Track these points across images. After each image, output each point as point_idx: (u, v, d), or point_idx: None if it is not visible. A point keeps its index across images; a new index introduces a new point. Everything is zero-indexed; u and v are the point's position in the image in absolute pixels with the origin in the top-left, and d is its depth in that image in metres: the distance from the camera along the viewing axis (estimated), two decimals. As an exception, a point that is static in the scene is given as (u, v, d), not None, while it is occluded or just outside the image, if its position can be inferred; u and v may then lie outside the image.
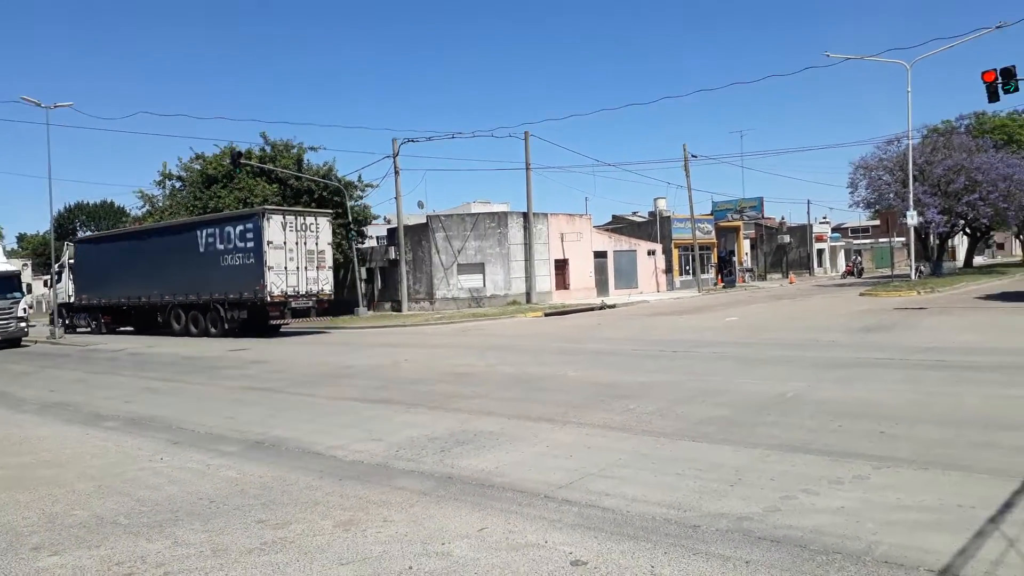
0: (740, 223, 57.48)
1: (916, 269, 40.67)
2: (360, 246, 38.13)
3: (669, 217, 48.44)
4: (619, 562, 4.37)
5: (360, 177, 37.15)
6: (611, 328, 21.64)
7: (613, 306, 32.41)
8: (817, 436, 7.17)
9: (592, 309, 31.08)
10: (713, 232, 51.37)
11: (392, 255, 36.51)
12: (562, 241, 38.31)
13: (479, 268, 35.76)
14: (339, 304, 37.55)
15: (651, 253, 45.14)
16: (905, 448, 6.56)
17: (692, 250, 46.14)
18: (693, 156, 44.65)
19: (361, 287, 36.36)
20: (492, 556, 4.55)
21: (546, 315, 28.71)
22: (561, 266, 38.55)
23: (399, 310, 35.44)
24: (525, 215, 36.30)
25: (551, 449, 7.19)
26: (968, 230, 52.51)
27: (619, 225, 53.01)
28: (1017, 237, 77.68)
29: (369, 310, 37.30)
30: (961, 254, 62.92)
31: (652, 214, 51.32)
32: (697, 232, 46.32)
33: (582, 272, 39.57)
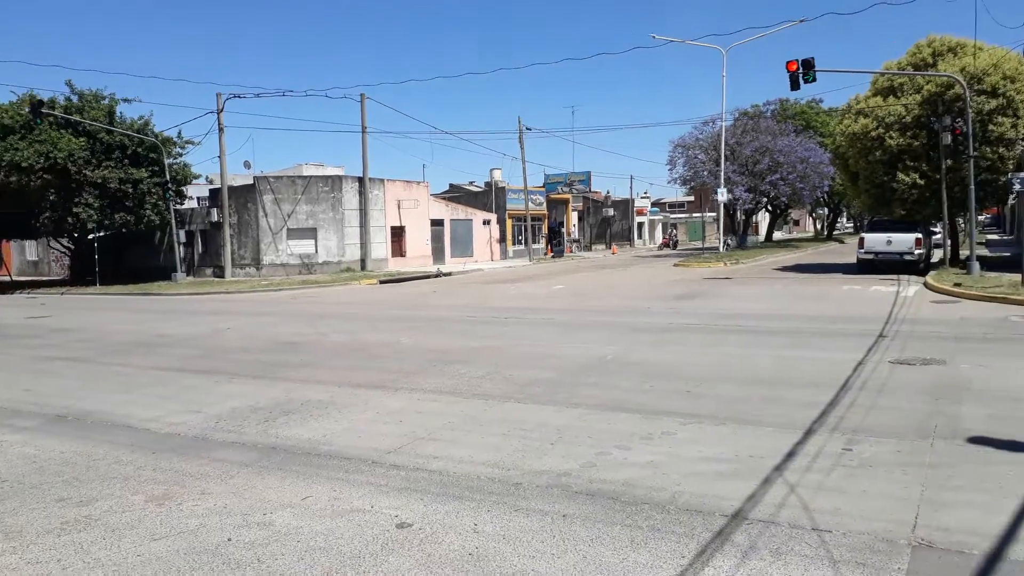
0: (569, 196, 59.48)
1: (724, 242, 44.12)
2: (179, 207, 35.69)
3: (504, 188, 49.22)
4: (443, 522, 4.49)
5: (180, 133, 34.58)
6: (446, 296, 21.80)
7: (449, 274, 32.61)
8: (632, 396, 7.67)
9: (428, 277, 31.10)
10: (545, 204, 52.82)
11: (215, 217, 34.49)
12: (399, 208, 37.89)
13: (311, 233, 34.61)
14: (155, 269, 35.11)
15: (486, 223, 45.74)
16: (708, 405, 7.18)
17: (525, 221, 47.24)
18: (527, 129, 45.59)
19: (180, 251, 34.11)
20: (316, 523, 4.52)
21: (381, 283, 28.40)
22: (397, 233, 38.16)
23: (222, 276, 33.64)
24: (360, 180, 35.49)
25: (381, 416, 7.20)
26: (770, 207, 57.43)
27: (456, 194, 53.18)
28: (810, 214, 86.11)
29: (189, 276, 35.14)
30: (763, 229, 68.76)
31: (488, 184, 51.91)
32: (530, 203, 47.46)
33: (418, 240, 39.41)
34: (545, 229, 52.39)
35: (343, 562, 3.99)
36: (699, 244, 66.01)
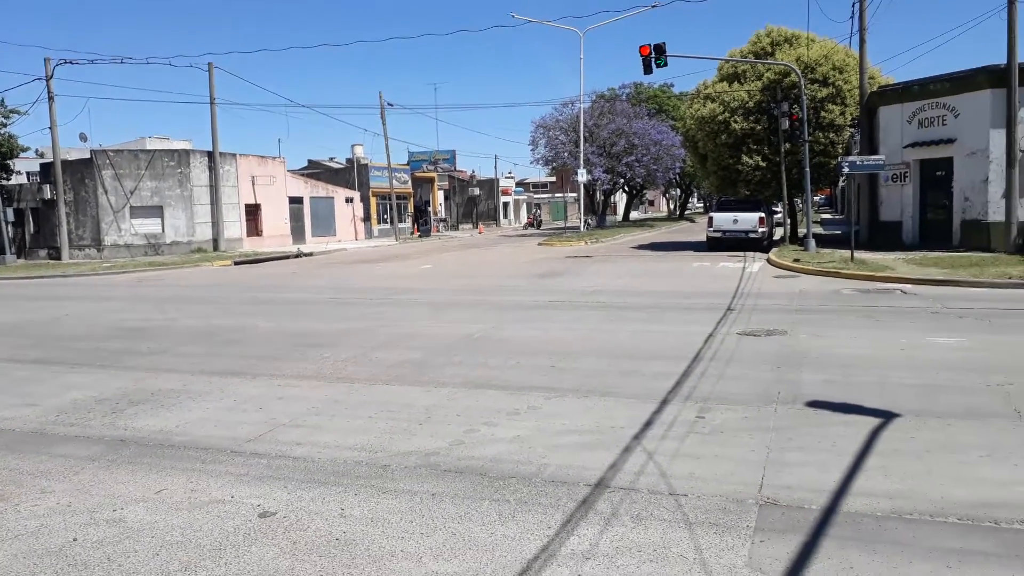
0: (435, 174, 59.13)
1: (584, 222, 45.45)
2: (6, 183, 32.51)
3: (367, 165, 48.21)
4: (309, 508, 4.37)
5: (3, 101, 31.42)
6: (307, 277, 21.15)
7: (310, 254, 31.64)
8: (499, 373, 7.76)
9: (287, 257, 30.04)
10: (410, 182, 52.26)
11: (48, 194, 31.67)
12: (253, 185, 36.27)
13: (157, 212, 32.51)
14: (-23, 251, 31.84)
15: (349, 200, 44.68)
16: (571, 379, 7.38)
17: (390, 199, 46.54)
18: (390, 104, 44.78)
19: (8, 231, 31.12)
20: (172, 517, 4.28)
21: (236, 264, 27.14)
22: (253, 211, 36.55)
23: (59, 258, 31.01)
24: (211, 154, 33.64)
25: (239, 403, 6.90)
26: (627, 188, 59.60)
27: (316, 171, 51.56)
28: (664, 195, 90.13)
29: (19, 258, 32.17)
30: (621, 209, 71.36)
31: (350, 161, 50.68)
32: (394, 181, 46.77)
33: (276, 218, 37.94)
34: (411, 208, 51.87)
35: (202, 555, 3.80)
36: (562, 224, 67.57)
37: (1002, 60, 19.26)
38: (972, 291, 13.50)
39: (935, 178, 22.35)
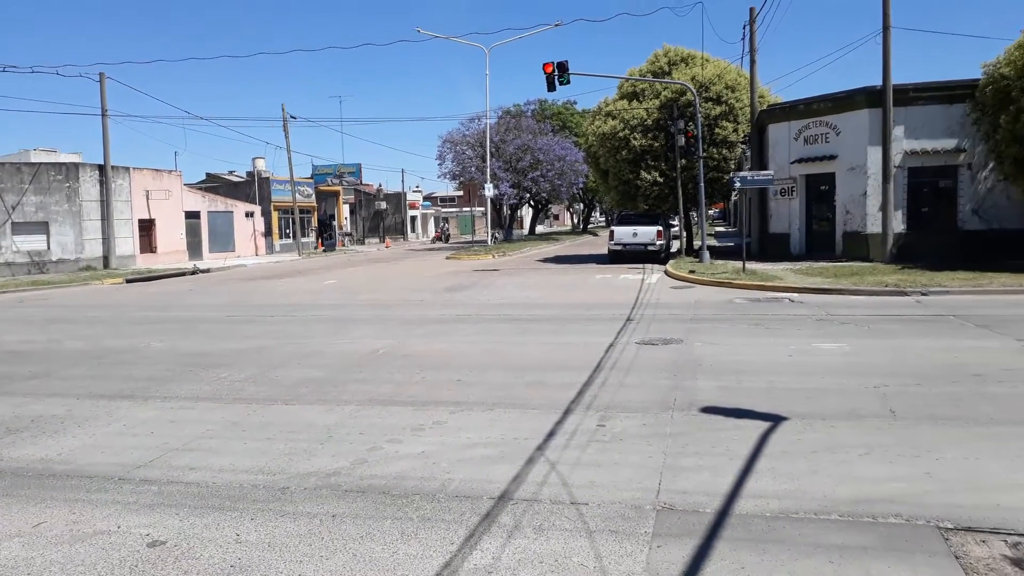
0: (340, 188, 58.20)
1: (492, 236, 45.74)
2: None
3: (268, 178, 47.00)
4: (202, 535, 4.20)
5: None
6: (204, 294, 20.38)
7: (207, 270, 30.50)
8: (404, 389, 7.70)
9: (183, 274, 28.85)
10: (314, 196, 51.24)
11: (-86, 210, 29.37)
12: (148, 199, 34.72)
13: (42, 228, 30.62)
14: None
15: (249, 215, 43.38)
16: (477, 393, 7.40)
17: (292, 213, 45.45)
18: (293, 117, 43.91)
19: None
20: (52, 551, 4.04)
21: (128, 281, 25.86)
22: (147, 227, 34.97)
23: (-73, 278, 28.74)
24: (102, 168, 32.00)
25: (129, 428, 6.57)
26: (533, 202, 60.34)
27: (214, 184, 49.87)
28: (568, 209, 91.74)
29: None
30: (527, 223, 72.13)
31: (251, 174, 49.29)
32: (298, 195, 45.74)
33: (172, 234, 36.43)
34: (315, 222, 50.83)
35: (84, 593, 3.60)
36: (469, 237, 67.74)
37: (879, 82, 20.64)
38: (853, 299, 14.34)
39: (820, 192, 23.67)
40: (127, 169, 33.98)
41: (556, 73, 21.28)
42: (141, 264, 33.18)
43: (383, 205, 68.62)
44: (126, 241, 33.50)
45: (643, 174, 27.52)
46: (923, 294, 14.29)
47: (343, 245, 53.44)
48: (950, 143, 20.64)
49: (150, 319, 14.89)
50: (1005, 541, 3.81)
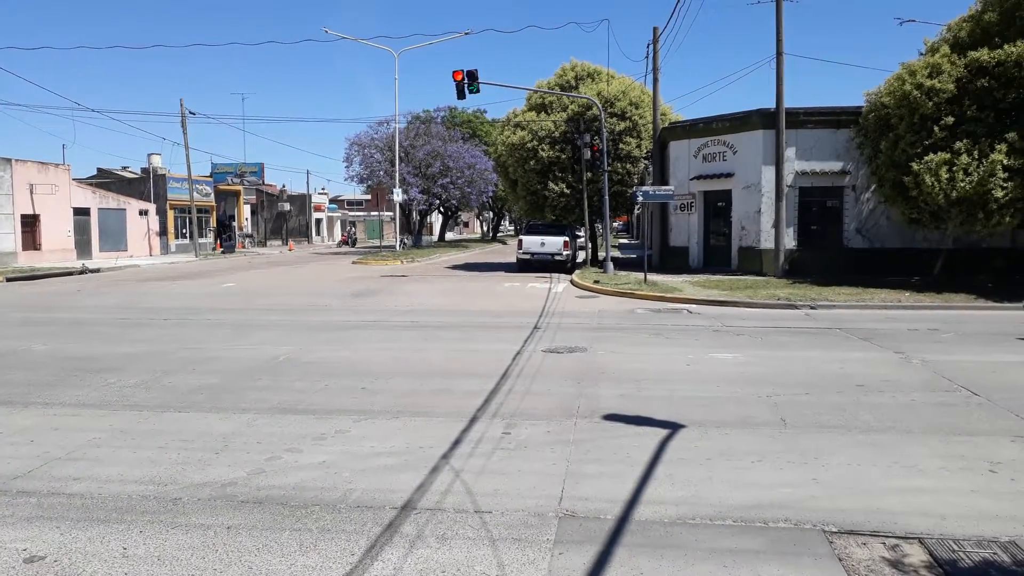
0: (241, 188, 56.41)
1: (401, 241, 45.27)
2: None
3: (165, 175, 45.04)
4: (85, 550, 3.97)
5: None
6: (94, 295, 19.29)
7: (97, 270, 28.90)
8: (305, 396, 7.52)
9: (71, 274, 27.23)
10: (213, 195, 49.44)
11: None
12: (32, 193, 32.63)
13: (-94, 220, 28.32)
14: None
15: (143, 213, 41.42)
16: (382, 401, 7.30)
17: (190, 212, 43.69)
18: (191, 113, 42.21)
19: None
20: (-88, 573, 3.72)
21: (9, 280, 24.19)
22: (31, 223, 32.84)
23: None
24: (-24, 159, 29.90)
25: (6, 436, 6.14)
26: (442, 209, 60.19)
27: (106, 180, 47.33)
28: (478, 217, 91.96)
29: None
30: (437, 229, 71.90)
31: (146, 171, 47.12)
32: (196, 194, 44.00)
33: (58, 231, 34.35)
34: (214, 222, 49.01)
35: (-51, 616, 3.34)
36: (377, 242, 66.85)
37: (773, 104, 21.69)
38: (747, 311, 14.98)
39: (717, 208, 24.62)
40: (8, 161, 31.87)
41: (466, 81, 21.31)
42: (23, 262, 31.13)
43: (287, 207, 66.90)
44: (7, 237, 31.40)
45: (551, 185, 27.91)
46: (812, 307, 15.08)
47: (243, 247, 51.74)
48: (837, 165, 21.90)
49: (32, 320, 13.98)
50: (883, 543, 4.05)
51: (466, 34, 31.29)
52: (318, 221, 73.25)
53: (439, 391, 7.72)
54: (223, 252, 45.77)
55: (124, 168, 54.85)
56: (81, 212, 36.31)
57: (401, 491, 4.82)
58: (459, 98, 21.63)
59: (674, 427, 6.28)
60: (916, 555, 3.91)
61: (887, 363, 9.28)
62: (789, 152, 21.84)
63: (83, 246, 36.14)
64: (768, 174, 22.17)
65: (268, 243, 62.48)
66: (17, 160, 32.43)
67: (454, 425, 6.36)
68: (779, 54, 21.13)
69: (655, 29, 25.94)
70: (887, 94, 18.66)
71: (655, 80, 26.07)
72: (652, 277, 20.70)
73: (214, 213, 49.37)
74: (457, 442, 5.89)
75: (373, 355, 9.97)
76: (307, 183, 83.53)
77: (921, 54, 19.41)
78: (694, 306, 15.69)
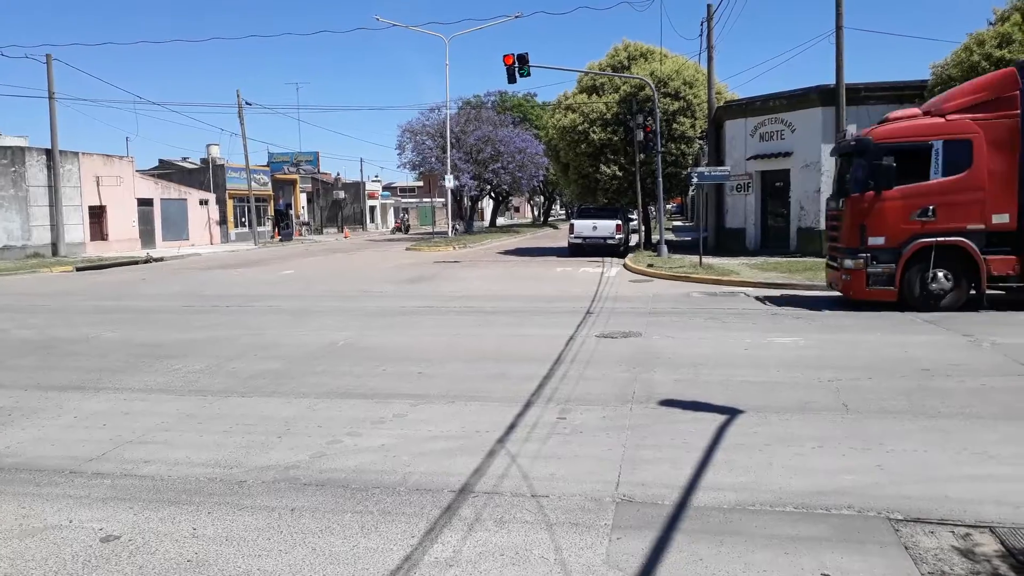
0: (297, 176, 57.40)
1: (452, 227, 45.58)
2: None
3: (223, 165, 46.08)
4: (157, 530, 4.13)
5: None
6: (158, 283, 19.94)
7: (161, 259, 29.85)
8: (364, 381, 7.64)
9: (136, 263, 28.18)
10: (270, 184, 50.42)
11: None
12: (98, 185, 33.81)
13: (-15, 213, 29.63)
14: None
15: (204, 203, 42.54)
16: (438, 385, 7.38)
17: (248, 201, 44.68)
18: (248, 103, 43.08)
19: None
20: (0, 547, 3.93)
21: (78, 269, 25.17)
22: (98, 214, 34.05)
23: None
24: (49, 152, 31.05)
25: (80, 420, 6.41)
26: (493, 194, 60.28)
27: (167, 171, 48.70)
28: (529, 202, 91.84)
29: None
30: (488, 215, 72.09)
31: (205, 161, 48.26)
32: (253, 183, 44.95)
33: (124, 221, 35.54)
34: (271, 211, 50.04)
35: (33, 590, 3.51)
36: (430, 228, 67.38)
37: (832, 80, 21.05)
38: (806, 294, 14.64)
39: (775, 188, 24.09)
40: (76, 154, 33.05)
41: (516, 65, 21.26)
42: (92, 252, 32.33)
43: (341, 195, 67.88)
44: (76, 228, 32.61)
45: (603, 168, 27.69)
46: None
47: (300, 235, 52.74)
48: (901, 142, 21.14)
49: (102, 308, 14.53)
50: (952, 532, 3.94)
51: (516, 17, 31.16)
52: (372, 208, 74.14)
53: (494, 376, 7.77)
54: (281, 240, 46.74)
55: (184, 159, 56.33)
56: (144, 203, 37.47)
57: (459, 475, 4.88)
58: (510, 82, 21.60)
59: (732, 412, 6.20)
60: (988, 544, 3.79)
61: (954, 346, 8.98)
62: (850, 129, 21.16)
63: (147, 236, 37.32)
64: (827, 152, 21.56)
65: (324, 231, 63.55)
66: (84, 153, 33.60)
67: (509, 410, 6.39)
68: (839, 28, 20.47)
69: (709, 7, 25.43)
70: (954, 65, 17.95)
71: (709, 59, 25.58)
72: (707, 260, 20.39)
73: (272, 202, 50.37)
74: (512, 427, 5.92)
75: (428, 340, 10.08)
76: (361, 171, 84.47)
77: (990, 24, 18.60)
78: (751, 289, 15.40)
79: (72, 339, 10.75)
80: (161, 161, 54.62)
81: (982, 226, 11.38)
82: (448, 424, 6.06)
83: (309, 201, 62.53)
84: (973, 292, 11.58)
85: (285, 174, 55.41)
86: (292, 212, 52.41)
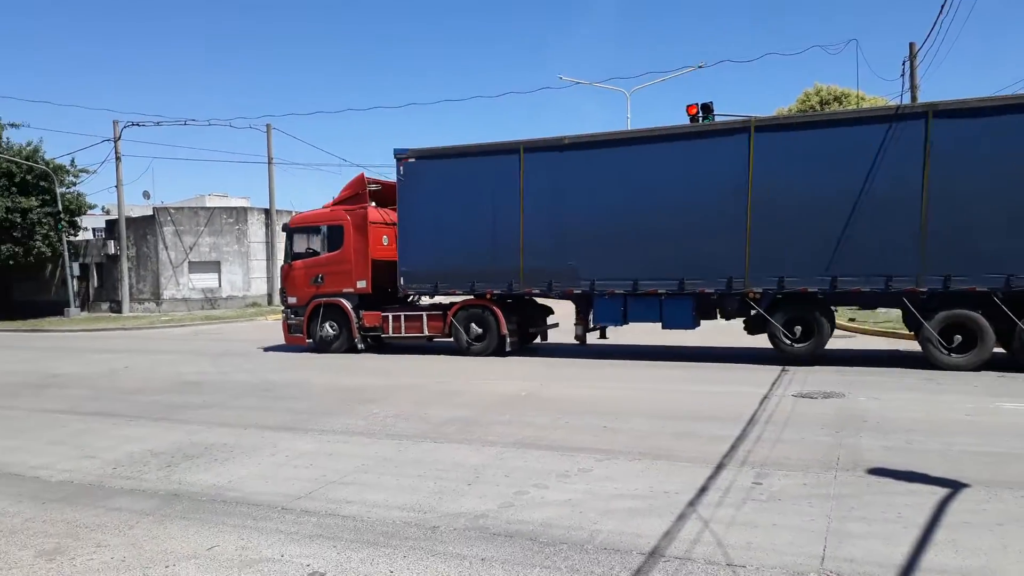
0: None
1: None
2: (72, 239, 33.88)
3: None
4: (358, 570, 4.33)
5: (73, 161, 32.91)
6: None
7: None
8: (547, 433, 7.67)
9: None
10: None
11: (111, 249, 32.86)
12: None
13: (214, 267, 33.44)
14: (46, 304, 33.11)
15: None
16: (623, 441, 7.25)
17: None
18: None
19: (73, 285, 32.31)
20: (223, 575, 4.29)
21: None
22: (305, 267, 37.28)
23: (119, 311, 32.02)
24: (267, 211, 34.67)
25: (290, 459, 6.94)
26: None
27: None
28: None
29: (83, 311, 33.28)
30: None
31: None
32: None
33: (327, 274, 38.59)
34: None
35: (251, 618, 3.78)
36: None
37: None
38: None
39: None
40: (290, 212, 36.53)
41: (700, 114, 20.92)
42: (300, 301, 35.33)
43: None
44: (288, 280, 35.84)
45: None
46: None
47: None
48: None
49: (310, 354, 15.77)
50: None
51: (699, 67, 30.77)
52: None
53: (681, 434, 7.51)
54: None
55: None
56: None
57: (648, 536, 4.72)
58: (693, 132, 21.25)
59: (954, 486, 5.54)
60: None
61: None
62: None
63: (349, 287, 40.19)
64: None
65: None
66: (297, 212, 37.09)
67: (699, 471, 6.12)
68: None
69: (911, 44, 23.78)
70: None
71: (912, 99, 23.81)
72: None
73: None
74: (704, 489, 5.66)
75: (610, 392, 9.97)
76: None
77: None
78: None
79: (283, 383, 11.74)
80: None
81: (352, 289, 15.37)
82: (635, 482, 5.90)
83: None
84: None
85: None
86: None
